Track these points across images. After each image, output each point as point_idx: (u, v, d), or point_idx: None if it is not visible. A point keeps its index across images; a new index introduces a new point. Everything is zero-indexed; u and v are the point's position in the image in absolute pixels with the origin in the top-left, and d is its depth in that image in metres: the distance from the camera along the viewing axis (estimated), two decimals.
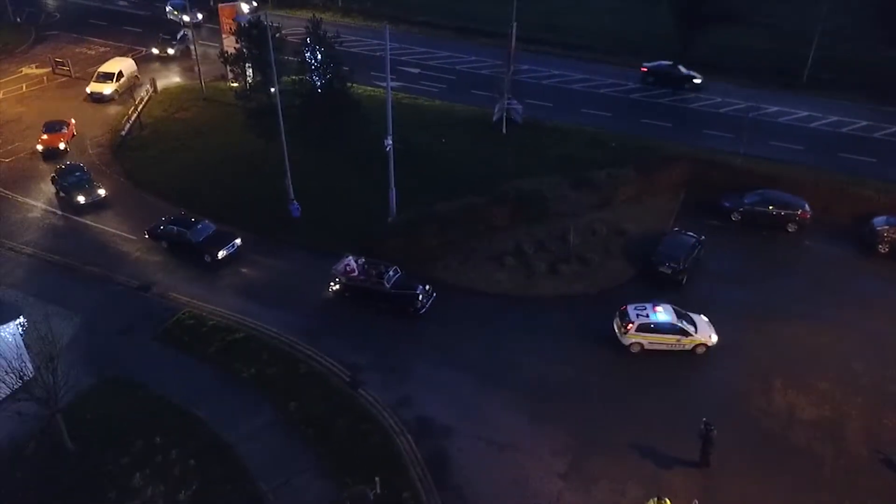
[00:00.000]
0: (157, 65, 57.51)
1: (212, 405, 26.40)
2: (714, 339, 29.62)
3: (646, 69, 55.22)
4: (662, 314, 29.33)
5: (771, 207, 38.07)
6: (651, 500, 21.51)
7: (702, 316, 30.47)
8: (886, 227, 36.48)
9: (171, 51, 58.34)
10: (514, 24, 46.00)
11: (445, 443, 25.39)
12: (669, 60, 55.11)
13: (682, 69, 54.53)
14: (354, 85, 44.02)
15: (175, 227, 34.78)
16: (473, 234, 35.78)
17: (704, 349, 29.46)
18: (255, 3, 61.10)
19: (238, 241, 34.76)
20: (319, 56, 41.53)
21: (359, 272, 31.54)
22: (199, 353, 28.86)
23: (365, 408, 26.59)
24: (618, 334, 29.68)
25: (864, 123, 50.37)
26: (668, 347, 29.29)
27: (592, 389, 27.85)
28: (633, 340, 29.30)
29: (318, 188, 39.49)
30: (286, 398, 26.78)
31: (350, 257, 31.97)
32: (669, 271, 33.31)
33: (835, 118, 51.03)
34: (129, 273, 33.98)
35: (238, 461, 24.19)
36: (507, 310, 32.02)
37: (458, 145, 44.81)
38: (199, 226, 34.83)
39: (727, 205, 38.90)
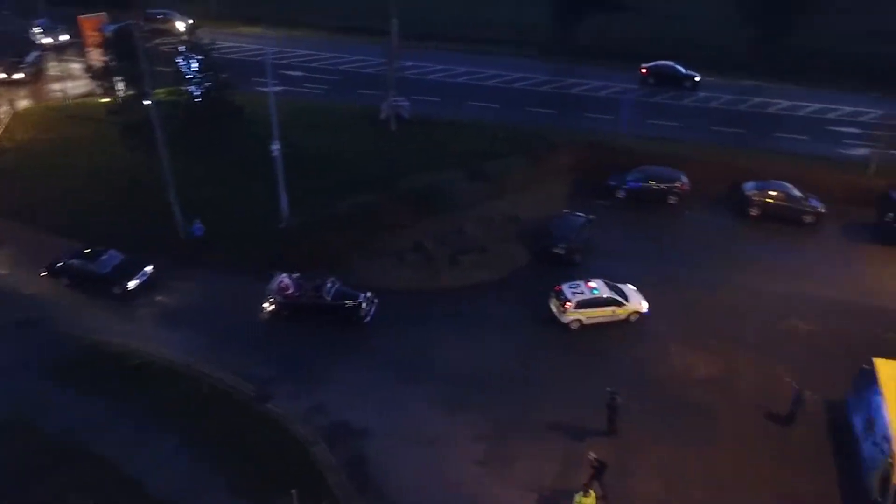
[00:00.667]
0: (2, 89, 52.92)
1: (113, 440, 24.89)
2: (645, 305, 31.12)
3: (646, 71, 55.34)
4: (596, 289, 30.56)
5: (652, 182, 40.03)
6: (577, 495, 21.99)
7: (629, 285, 31.92)
8: (755, 191, 39.20)
9: (19, 75, 53.28)
10: (395, 20, 45.98)
11: (363, 444, 25.17)
12: (669, 61, 55.80)
13: (682, 69, 55.33)
14: (237, 92, 42.71)
15: (77, 261, 32.24)
16: (372, 233, 35.57)
17: (637, 316, 30.95)
18: (191, 21, 58.35)
19: (149, 268, 32.73)
20: (196, 64, 39.99)
21: (294, 289, 30.33)
22: (97, 387, 27.10)
23: (275, 420, 25.93)
24: (556, 314, 30.49)
25: (730, 97, 53.84)
26: (605, 320, 30.51)
27: (506, 374, 28.36)
28: (573, 318, 30.22)
29: (209, 199, 37.97)
30: (191, 421, 25.68)
31: (283, 275, 30.62)
32: (563, 251, 34.43)
33: (703, 94, 54.28)
34: (12, 309, 31.42)
35: (148, 498, 22.92)
36: (415, 305, 32.08)
37: (348, 145, 44.33)
38: (105, 256, 32.39)
39: (612, 184, 40.61)
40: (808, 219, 38.53)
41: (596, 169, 41.77)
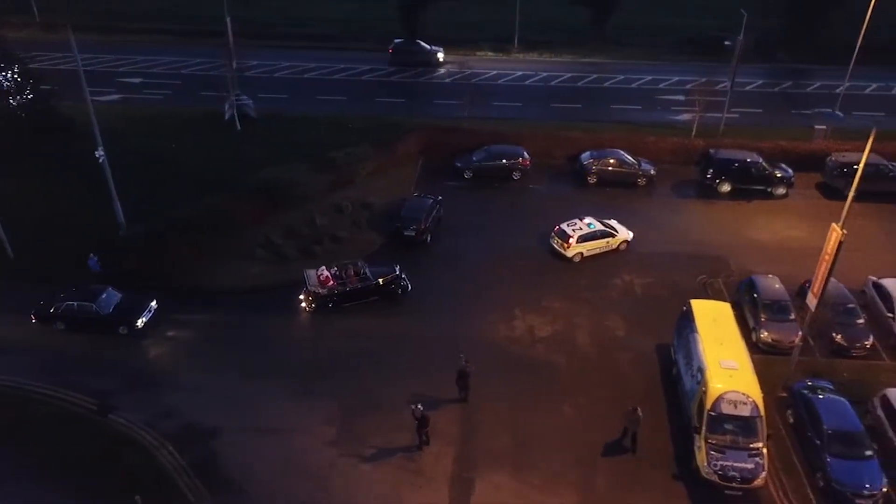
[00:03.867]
0: None
1: None
2: (630, 235, 35.22)
3: (391, 50, 57.00)
4: (592, 223, 34.56)
5: (495, 160, 41.55)
6: None
7: (612, 220, 35.59)
8: (591, 160, 41.50)
9: None
10: (229, 18, 45.22)
11: (214, 443, 24.77)
12: (410, 38, 57.46)
13: (425, 45, 57.12)
14: (67, 103, 40.52)
15: (76, 303, 29.53)
16: (218, 234, 34.78)
17: (626, 245, 34.94)
18: None
19: (154, 303, 30.34)
20: (10, 76, 37.62)
21: (335, 279, 30.82)
22: None
23: (120, 431, 25.05)
24: (560, 251, 34.24)
25: (569, 75, 56.62)
26: (602, 250, 34.52)
27: (355, 356, 28.66)
28: (576, 252, 34.10)
29: (44, 216, 35.93)
30: (29, 443, 24.37)
31: (321, 268, 31.13)
32: (413, 234, 35.12)
33: (545, 74, 56.80)
34: None
35: None
36: (264, 301, 31.71)
37: (192, 148, 43.17)
38: (104, 294, 29.91)
39: (459, 165, 41.80)
40: (641, 181, 41.24)
41: (444, 152, 42.86)
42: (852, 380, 27.57)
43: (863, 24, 46.31)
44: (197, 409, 26.10)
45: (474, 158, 41.82)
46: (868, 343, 28.84)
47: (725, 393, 23.48)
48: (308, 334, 29.95)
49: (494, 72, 56.68)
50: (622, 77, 56.37)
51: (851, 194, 24.57)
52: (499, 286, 32.89)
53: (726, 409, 23.37)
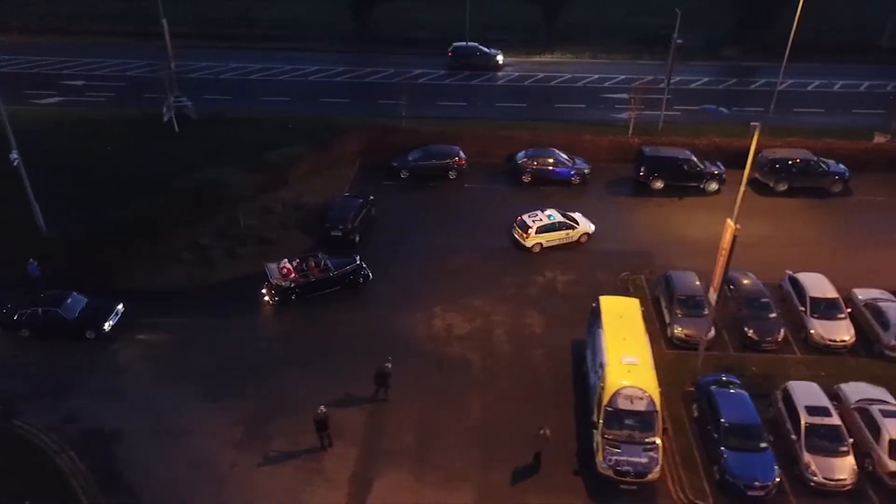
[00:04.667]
0: None
1: None
2: (592, 227, 35.70)
3: (450, 53, 56.97)
4: (552, 215, 35.05)
5: (431, 160, 41.65)
6: None
7: (577, 213, 36.04)
8: (525, 159, 41.68)
9: None
10: (164, 20, 45.01)
11: (116, 447, 24.67)
12: (473, 42, 57.52)
13: (484, 48, 57.20)
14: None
15: (41, 309, 29.22)
16: (146, 236, 34.58)
17: (587, 238, 35.37)
18: None
19: (120, 306, 30.24)
20: None
21: (296, 271, 31.41)
22: None
23: (20, 437, 24.87)
24: (520, 241, 34.95)
25: (517, 74, 56.85)
26: (561, 242, 35.14)
27: (268, 357, 28.65)
28: (535, 242, 34.81)
29: None
30: None
31: (283, 261, 31.54)
32: (340, 233, 35.12)
33: (492, 73, 56.87)
34: None
35: None
36: (185, 303, 31.61)
37: (129, 150, 42.93)
38: (69, 300, 29.62)
39: (395, 164, 41.85)
40: (575, 179, 41.45)
41: (383, 152, 42.88)
42: (761, 373, 27.87)
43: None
44: (104, 413, 25.95)
45: (410, 158, 41.89)
46: (779, 337, 29.17)
47: (622, 388, 23.68)
48: (225, 338, 29.80)
49: (443, 71, 56.72)
50: (569, 76, 56.63)
51: (742, 189, 24.91)
52: (423, 285, 32.98)
53: (623, 404, 23.57)
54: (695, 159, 40.85)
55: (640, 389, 23.62)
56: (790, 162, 40.80)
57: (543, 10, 62.82)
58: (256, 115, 47.92)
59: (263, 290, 31.54)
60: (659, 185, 40.76)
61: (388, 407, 26.43)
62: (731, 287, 31.11)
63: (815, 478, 23.18)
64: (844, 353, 29.14)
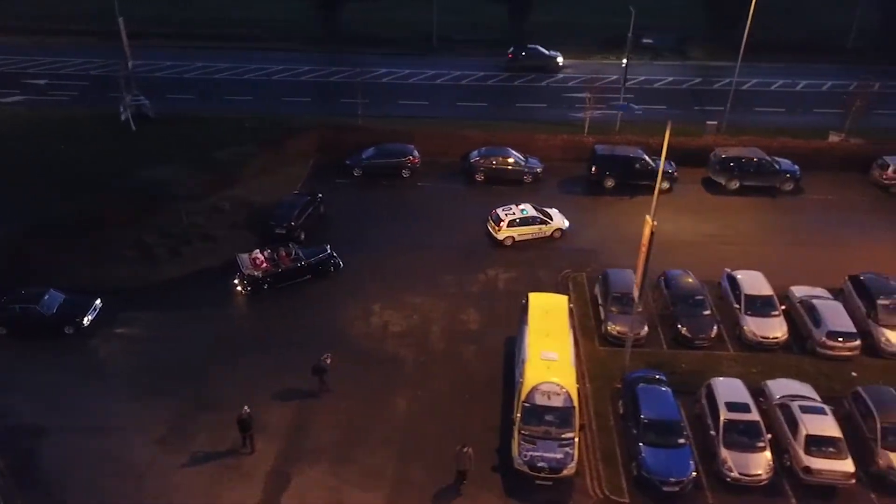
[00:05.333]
0: None
1: None
2: (566, 224, 36.09)
3: (511, 55, 56.88)
4: (525, 210, 35.59)
5: (384, 158, 41.68)
6: None
7: (554, 209, 36.47)
8: (479, 158, 41.73)
9: None
10: (121, 19, 45.07)
11: (35, 444, 24.69)
12: (532, 45, 57.53)
13: (543, 50, 57.18)
14: None
15: (18, 306, 29.29)
16: (90, 234, 34.58)
17: (560, 233, 35.69)
18: None
19: (98, 301, 30.43)
20: None
21: (268, 261, 32.00)
22: None
23: None
24: (493, 233, 35.43)
25: (481, 74, 56.91)
26: (534, 236, 35.52)
27: (202, 355, 28.69)
28: (506, 235, 35.20)
29: None
30: None
31: (255, 251, 32.31)
32: (284, 231, 35.16)
33: (457, 73, 56.99)
34: None
35: None
36: (124, 301, 31.56)
37: (83, 150, 42.87)
38: (47, 296, 29.68)
39: (349, 163, 41.90)
40: (527, 179, 41.50)
41: (339, 151, 42.93)
42: (693, 370, 27.91)
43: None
44: (30, 411, 25.97)
45: (364, 157, 41.94)
46: (712, 334, 29.22)
47: (540, 384, 23.74)
48: (160, 336, 29.82)
49: (407, 70, 56.82)
50: (534, 76, 56.67)
51: (657, 186, 25.03)
52: (365, 282, 33.06)
53: (540, 399, 23.62)
54: (646, 158, 40.92)
55: (558, 385, 23.68)
56: (742, 160, 40.88)
57: (510, 10, 62.85)
58: (217, 114, 47.90)
59: (236, 281, 32.05)
60: (610, 183, 40.82)
61: (315, 404, 26.48)
62: (667, 285, 31.16)
63: (731, 473, 23.23)
64: (777, 349, 29.19)
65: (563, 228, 36.24)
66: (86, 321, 29.63)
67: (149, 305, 31.41)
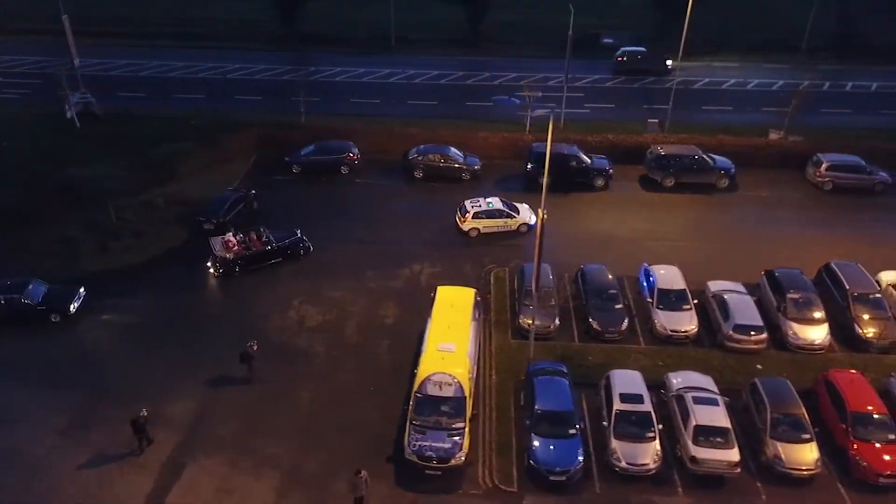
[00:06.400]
0: None
1: None
2: (533, 219, 36.20)
3: (621, 58, 57.04)
4: (491, 203, 36.32)
5: (324, 156, 41.96)
6: None
7: (524, 204, 36.98)
8: (417, 155, 42.01)
9: None
10: (65, 17, 45.32)
11: None
12: (642, 47, 57.83)
13: (655, 53, 57.22)
14: None
15: (2, 297, 29.74)
16: (17, 228, 34.81)
17: (526, 228, 36.04)
18: None
19: (82, 290, 31.04)
20: None
21: (239, 244, 33.02)
22: None
23: None
24: (459, 224, 36.15)
25: (435, 73, 57.20)
26: (499, 229, 36.06)
27: (113, 351, 28.95)
28: (471, 227, 35.90)
29: None
30: None
31: (227, 234, 33.27)
32: (212, 226, 35.41)
33: (412, 72, 57.26)
34: None
35: None
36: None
37: (26, 146, 43.08)
38: (30, 286, 30.20)
39: (288, 160, 42.18)
40: (465, 176, 41.79)
41: (280, 148, 43.21)
42: (602, 363, 28.13)
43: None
44: None
45: (303, 153, 42.23)
46: (622, 327, 29.48)
47: (432, 374, 24.02)
48: (77, 327, 30.10)
49: (363, 69, 57.15)
50: (488, 74, 57.00)
51: (545, 180, 25.47)
52: (288, 276, 33.31)
53: (432, 390, 23.89)
54: (582, 155, 41.22)
55: (450, 376, 23.94)
56: (677, 158, 41.19)
57: (467, 10, 63.20)
58: (165, 112, 48.09)
59: (209, 263, 33.09)
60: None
61: (220, 394, 26.69)
62: (583, 279, 31.45)
63: (619, 463, 23.49)
64: (688, 343, 29.46)
65: (529, 224, 36.50)
66: (72, 308, 30.29)
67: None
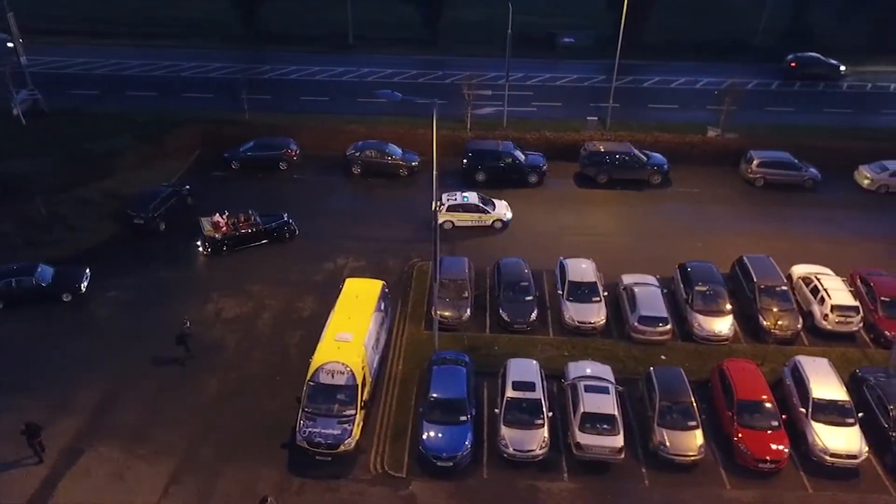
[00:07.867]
0: None
1: None
2: (508, 215, 37.24)
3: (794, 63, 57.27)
4: (466, 197, 37.21)
5: (263, 152, 42.47)
6: None
7: (502, 200, 37.81)
8: (355, 152, 42.54)
9: None
10: (11, 14, 45.79)
11: None
12: (815, 53, 57.94)
13: (825, 58, 57.52)
14: None
15: (13, 279, 30.55)
16: None
17: (501, 224, 36.76)
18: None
19: (87, 270, 32.29)
20: None
21: (227, 225, 34.44)
22: None
23: None
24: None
25: (389, 71, 57.74)
26: (473, 224, 36.74)
27: (35, 340, 29.39)
28: (446, 219, 36.03)
29: None
30: None
31: (216, 214, 34.57)
32: (142, 221, 35.87)
33: (366, 70, 57.81)
34: None
35: None
36: None
37: None
38: (39, 269, 31.24)
39: (227, 156, 42.68)
40: (403, 172, 42.33)
41: (222, 144, 43.68)
42: (507, 353, 28.54)
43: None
44: None
45: (241, 150, 42.72)
46: (531, 318, 29.98)
47: (325, 363, 24.52)
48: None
49: (317, 68, 57.72)
50: (440, 73, 57.54)
51: (434, 174, 26.12)
52: (212, 269, 33.81)
53: (324, 378, 24.38)
54: (516, 152, 41.78)
55: (343, 364, 24.43)
56: (610, 155, 41.74)
57: (426, 9, 63.78)
58: (113, 109, 48.53)
59: (198, 243, 34.44)
60: (481, 177, 41.63)
61: (125, 384, 27.13)
62: (498, 272, 31.97)
63: (507, 450, 23.98)
64: (596, 334, 29.98)
65: (504, 220, 37.05)
66: (83, 287, 31.45)
67: None
